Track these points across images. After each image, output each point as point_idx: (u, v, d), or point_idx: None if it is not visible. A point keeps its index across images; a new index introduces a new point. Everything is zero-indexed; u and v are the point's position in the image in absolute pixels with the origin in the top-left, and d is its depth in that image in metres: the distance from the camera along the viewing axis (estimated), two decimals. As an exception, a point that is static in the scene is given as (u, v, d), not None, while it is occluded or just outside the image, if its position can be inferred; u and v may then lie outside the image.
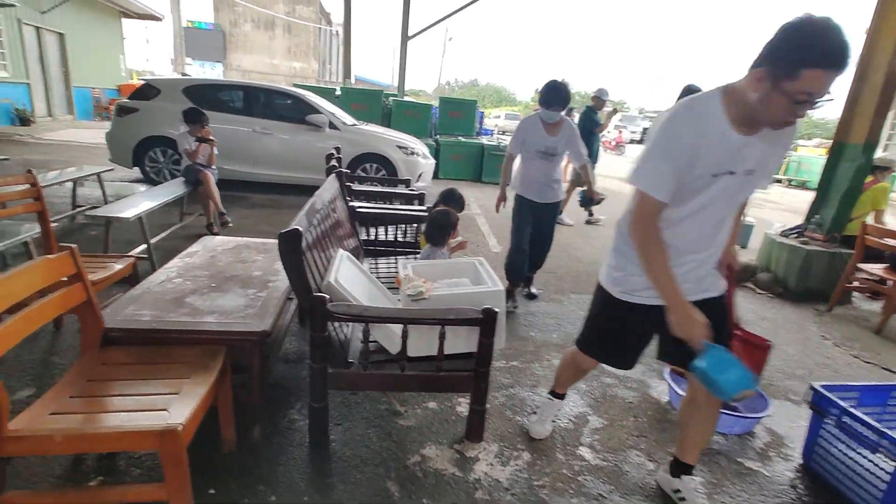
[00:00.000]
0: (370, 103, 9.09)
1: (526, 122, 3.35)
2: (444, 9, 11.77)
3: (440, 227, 2.63)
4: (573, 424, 2.26)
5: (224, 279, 2.17)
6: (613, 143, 21.35)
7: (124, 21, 15.91)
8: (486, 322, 1.81)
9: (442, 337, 1.83)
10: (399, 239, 3.58)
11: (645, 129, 28.42)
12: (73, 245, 1.52)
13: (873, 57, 4.07)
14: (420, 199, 4.23)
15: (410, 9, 11.44)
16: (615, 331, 1.75)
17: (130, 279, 2.48)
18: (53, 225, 4.48)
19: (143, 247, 3.56)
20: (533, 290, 3.77)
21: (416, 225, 3.53)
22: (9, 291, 1.29)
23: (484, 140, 9.94)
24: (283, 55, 28.53)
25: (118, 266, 2.34)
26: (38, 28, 11.26)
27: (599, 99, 6.34)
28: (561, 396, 2.16)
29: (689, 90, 6.38)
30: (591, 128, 6.22)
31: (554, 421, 2.22)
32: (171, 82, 6.38)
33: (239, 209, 5.50)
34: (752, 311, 3.96)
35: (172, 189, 4.14)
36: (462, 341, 1.97)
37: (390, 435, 2.03)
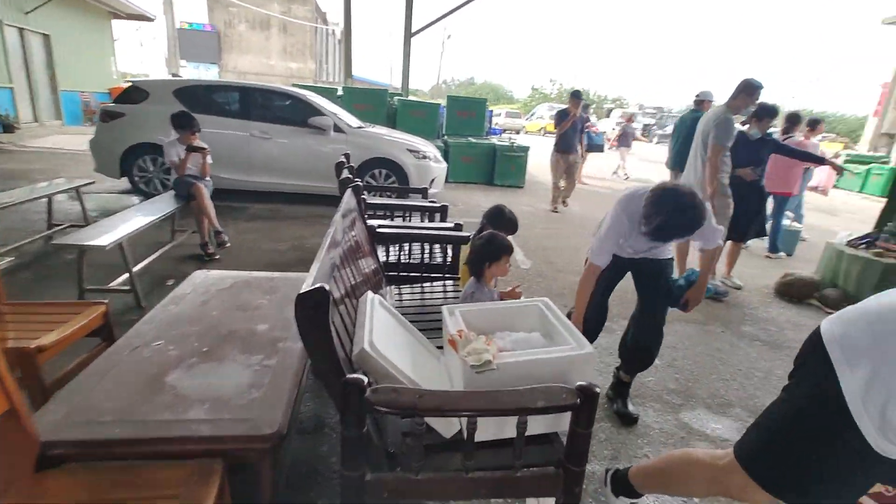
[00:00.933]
0: (374, 103, 8.55)
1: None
2: (443, 6, 11.25)
3: (488, 256, 2.10)
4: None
5: (219, 339, 1.64)
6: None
7: (115, 22, 15.33)
8: (584, 406, 1.30)
9: (522, 426, 1.32)
10: (425, 261, 3.07)
11: (645, 126, 27.83)
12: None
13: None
14: (442, 212, 3.71)
15: (413, 5, 10.91)
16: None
17: (102, 330, 1.96)
18: (25, 245, 3.98)
19: (125, 276, 3.03)
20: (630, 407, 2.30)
21: (447, 246, 3.01)
22: None
23: (495, 140, 9.40)
24: (280, 55, 27.93)
25: (81, 321, 1.81)
26: (20, 29, 10.68)
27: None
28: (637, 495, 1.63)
29: (703, 97, 5.85)
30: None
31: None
32: (160, 84, 5.83)
33: (236, 222, 4.97)
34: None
35: (161, 206, 3.61)
36: (539, 420, 1.46)
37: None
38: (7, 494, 1.05)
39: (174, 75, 14.33)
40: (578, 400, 1.27)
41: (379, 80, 29.84)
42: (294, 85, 8.35)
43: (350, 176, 3.11)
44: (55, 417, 1.19)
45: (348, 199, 2.63)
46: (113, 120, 5.60)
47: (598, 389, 1.30)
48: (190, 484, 1.11)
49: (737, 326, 3.44)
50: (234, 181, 5.63)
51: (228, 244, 3.91)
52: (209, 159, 3.99)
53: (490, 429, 1.44)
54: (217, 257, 3.87)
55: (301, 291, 1.18)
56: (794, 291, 4.10)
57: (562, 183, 7.08)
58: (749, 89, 3.70)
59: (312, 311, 1.19)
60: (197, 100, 5.66)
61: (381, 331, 1.59)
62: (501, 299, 2.16)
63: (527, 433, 1.37)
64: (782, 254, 5.61)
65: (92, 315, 1.89)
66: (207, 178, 3.99)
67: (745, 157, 3.96)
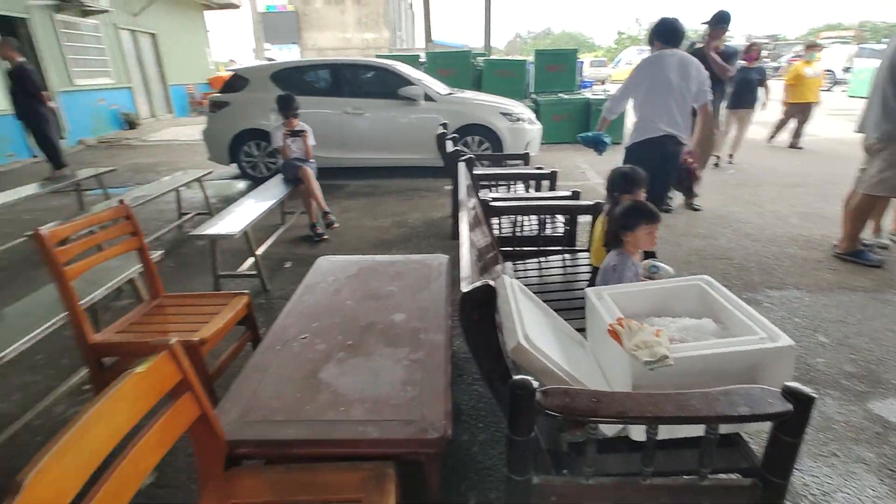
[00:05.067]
0: (458, 67, 8.28)
1: None
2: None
3: (633, 223, 1.85)
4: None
5: (360, 331, 1.63)
6: None
7: (206, 13, 16.24)
8: (794, 415, 1.09)
9: (713, 431, 1.14)
10: (540, 233, 2.90)
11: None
12: (173, 341, 1.00)
13: None
14: (551, 179, 3.48)
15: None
16: None
17: (246, 320, 2.05)
18: (163, 234, 4.41)
19: (251, 261, 3.20)
20: None
21: (566, 217, 2.81)
22: (98, 440, 0.79)
23: (588, 94, 8.74)
24: (355, 27, 28.17)
25: (229, 313, 1.89)
26: (132, 31, 11.66)
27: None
28: None
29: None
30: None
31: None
32: (257, 70, 6.05)
33: (339, 201, 5.10)
34: None
35: (273, 191, 3.75)
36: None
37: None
38: (204, 493, 1.10)
39: (268, 59, 14.96)
40: (790, 407, 1.07)
41: (454, 42, 29.08)
42: (377, 56, 8.32)
43: (458, 148, 2.98)
44: (232, 417, 1.22)
45: (462, 172, 2.51)
46: (220, 109, 5.92)
47: (813, 394, 1.08)
48: (369, 487, 1.08)
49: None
50: (331, 159, 5.76)
51: (337, 225, 4.00)
52: (312, 140, 4.06)
53: (663, 428, 1.29)
54: (326, 238, 3.98)
55: (464, 290, 1.08)
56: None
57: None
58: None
59: (478, 310, 1.09)
60: (292, 81, 5.80)
61: (530, 320, 1.47)
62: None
63: (697, 433, 1.21)
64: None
65: (238, 306, 1.97)
66: (312, 160, 4.08)
67: None
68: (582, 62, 13.10)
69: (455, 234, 3.97)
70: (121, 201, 1.95)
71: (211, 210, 4.57)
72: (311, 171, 3.87)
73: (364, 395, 1.31)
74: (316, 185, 3.87)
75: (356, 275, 2.09)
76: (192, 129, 11.20)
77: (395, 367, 1.43)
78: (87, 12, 9.59)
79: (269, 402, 1.29)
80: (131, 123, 11.23)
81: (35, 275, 3.52)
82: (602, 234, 2.08)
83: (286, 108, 3.88)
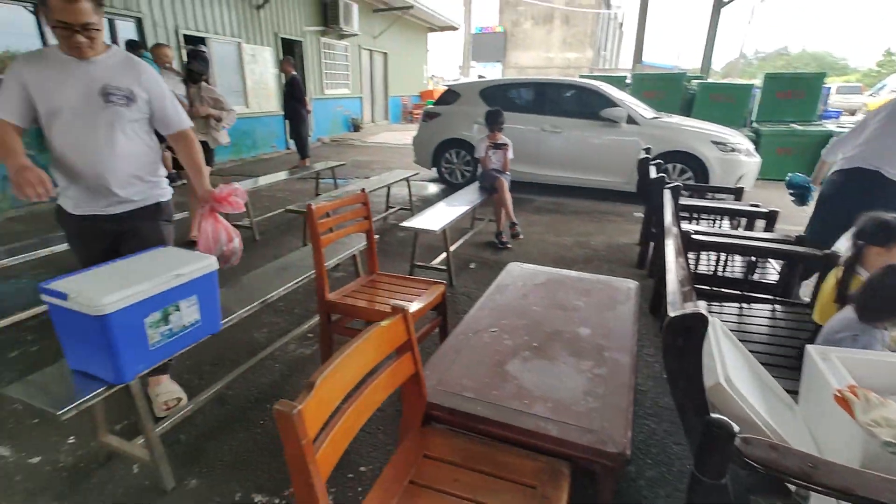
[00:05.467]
0: (666, 90, 7.82)
1: None
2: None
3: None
4: None
5: (546, 337, 1.71)
6: None
7: (429, 35, 18.28)
8: None
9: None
10: (747, 277, 2.60)
11: None
12: (406, 307, 1.22)
13: None
14: (769, 218, 3.08)
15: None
16: None
17: (439, 307, 2.31)
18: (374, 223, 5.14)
19: (443, 256, 3.55)
20: None
21: (782, 263, 2.47)
22: (353, 369, 1.03)
23: (831, 126, 7.37)
24: (559, 47, 28.57)
25: (428, 298, 2.16)
26: (371, 51, 13.79)
27: None
28: None
29: None
30: None
31: None
32: (469, 86, 6.62)
33: (525, 214, 5.28)
34: None
35: (469, 197, 4.09)
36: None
37: None
38: (404, 440, 1.30)
39: (480, 77, 16.19)
40: None
41: (662, 63, 27.32)
42: (581, 76, 8.33)
43: (662, 175, 2.85)
44: (430, 384, 1.41)
45: (667, 200, 2.41)
46: (432, 119, 6.65)
47: None
48: (544, 479, 1.16)
49: None
50: (523, 174, 5.99)
51: (521, 236, 4.16)
52: (511, 154, 4.31)
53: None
54: (510, 247, 4.17)
55: (672, 315, 1.08)
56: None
57: None
58: None
59: (685, 338, 1.07)
60: (498, 98, 6.21)
61: (732, 363, 1.37)
62: None
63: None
64: None
65: (435, 293, 2.23)
66: (508, 173, 4.32)
67: None
68: (828, 88, 11.06)
69: (641, 263, 3.78)
70: (362, 190, 2.39)
71: (412, 207, 5.17)
72: (506, 183, 4.10)
73: (546, 394, 1.38)
74: (508, 197, 4.09)
75: (544, 284, 2.18)
76: (400, 135, 12.72)
77: (577, 377, 1.47)
78: (342, 36, 11.67)
79: (460, 379, 1.46)
80: (356, 126, 13.28)
81: (283, 239, 4.46)
82: (834, 290, 1.79)
83: (493, 121, 4.19)
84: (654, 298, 3.04)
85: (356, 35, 12.00)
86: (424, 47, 18.28)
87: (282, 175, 5.13)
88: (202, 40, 7.59)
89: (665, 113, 6.25)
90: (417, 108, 17.45)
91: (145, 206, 1.92)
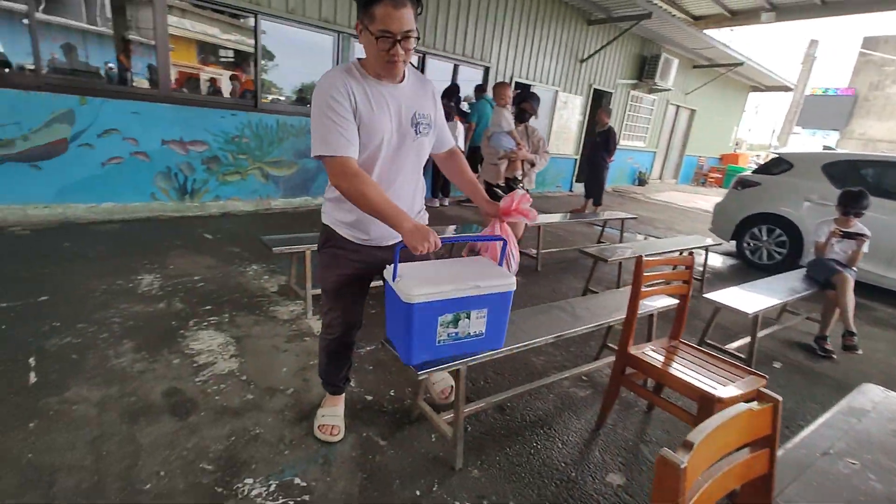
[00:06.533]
0: None
1: None
2: None
3: None
4: None
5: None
6: None
7: (751, 94, 16.37)
8: None
9: None
10: None
11: None
12: (779, 398, 1.09)
13: None
14: None
15: None
16: None
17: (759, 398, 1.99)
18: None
19: (745, 341, 3.08)
20: None
21: None
22: (716, 446, 0.98)
23: None
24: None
25: (744, 388, 1.89)
26: (678, 106, 13.19)
27: None
28: None
29: None
30: None
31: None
32: (807, 157, 5.62)
33: (858, 324, 4.14)
34: None
35: (792, 284, 3.43)
36: None
37: None
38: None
39: (825, 147, 13.77)
40: None
41: None
42: None
43: None
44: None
45: None
46: (745, 188, 5.90)
47: None
48: None
49: None
50: (867, 273, 4.73)
51: (860, 352, 3.27)
52: (865, 248, 3.44)
53: None
54: (834, 358, 3.33)
55: None
56: None
57: None
58: None
59: None
60: (849, 176, 5.08)
61: None
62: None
63: None
64: None
65: (753, 386, 1.94)
66: (854, 269, 3.46)
67: None
68: None
69: None
70: (690, 253, 2.27)
71: (703, 278, 4.67)
72: (851, 281, 3.30)
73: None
74: (851, 298, 3.27)
75: (924, 428, 1.64)
76: (688, 196, 11.74)
77: None
78: (653, 90, 11.52)
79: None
80: (641, 181, 12.86)
81: (563, 276, 4.61)
82: None
83: (854, 204, 3.41)
84: None
85: (669, 90, 11.68)
86: (741, 107, 16.46)
87: (573, 217, 5.32)
88: (528, 87, 8.61)
89: None
90: (714, 172, 15.82)
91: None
